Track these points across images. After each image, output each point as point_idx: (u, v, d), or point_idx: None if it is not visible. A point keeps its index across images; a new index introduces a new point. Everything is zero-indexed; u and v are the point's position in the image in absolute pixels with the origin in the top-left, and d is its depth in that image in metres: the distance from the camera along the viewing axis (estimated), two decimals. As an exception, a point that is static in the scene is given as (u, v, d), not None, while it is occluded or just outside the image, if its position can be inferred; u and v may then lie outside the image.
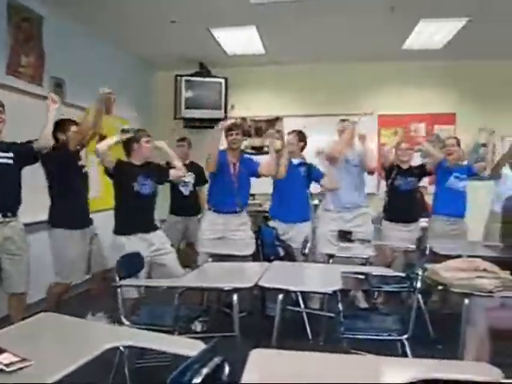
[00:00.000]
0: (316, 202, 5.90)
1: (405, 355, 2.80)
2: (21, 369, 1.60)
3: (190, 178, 5.28)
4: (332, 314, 3.30)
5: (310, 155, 4.88)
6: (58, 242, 3.87)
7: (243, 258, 3.95)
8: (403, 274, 3.26)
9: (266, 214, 5.06)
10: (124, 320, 3.02)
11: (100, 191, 5.28)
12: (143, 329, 2.56)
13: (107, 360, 2.39)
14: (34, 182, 3.81)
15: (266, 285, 2.92)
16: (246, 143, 6.96)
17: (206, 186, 4.95)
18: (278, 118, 7.02)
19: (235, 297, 2.92)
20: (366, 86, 6.81)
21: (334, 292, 2.85)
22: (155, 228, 3.92)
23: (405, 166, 4.92)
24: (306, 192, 4.82)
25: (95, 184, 5.08)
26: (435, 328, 3.70)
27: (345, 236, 4.41)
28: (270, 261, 3.75)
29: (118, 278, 3.08)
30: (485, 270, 2.84)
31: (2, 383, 1.55)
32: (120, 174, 3.74)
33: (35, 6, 4.66)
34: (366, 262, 4.04)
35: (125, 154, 3.87)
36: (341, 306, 3.08)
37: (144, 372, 3.02)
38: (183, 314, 3.14)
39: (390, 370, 1.85)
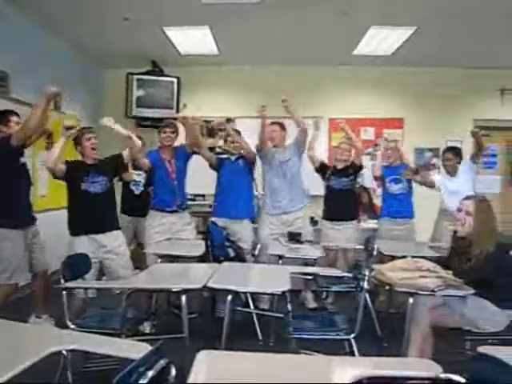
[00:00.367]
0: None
1: (352, 354, 2.85)
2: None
3: (140, 177, 5.20)
4: (281, 315, 3.32)
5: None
6: None
7: (193, 259, 3.93)
8: (350, 275, 3.33)
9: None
10: (69, 323, 2.94)
11: (48, 190, 5.12)
12: (90, 332, 2.50)
13: (52, 365, 2.31)
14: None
15: (215, 286, 2.91)
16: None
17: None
18: (229, 119, 6.99)
19: (184, 298, 2.90)
20: (317, 89, 6.90)
21: (283, 292, 2.87)
22: (110, 228, 3.81)
23: (340, 166, 5.03)
24: (250, 186, 4.85)
25: (43, 183, 4.94)
26: (382, 327, 3.79)
27: (294, 237, 4.45)
28: (219, 262, 3.74)
29: (63, 280, 2.99)
30: (428, 269, 2.94)
31: None
32: (69, 175, 3.68)
33: (-22, -4, 4.47)
34: (314, 262, 4.09)
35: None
36: (290, 306, 3.11)
37: (90, 376, 2.94)
38: (131, 316, 3.10)
39: (336, 368, 1.88)
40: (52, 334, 2.41)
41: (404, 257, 3.46)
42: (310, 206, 5.12)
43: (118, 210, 5.39)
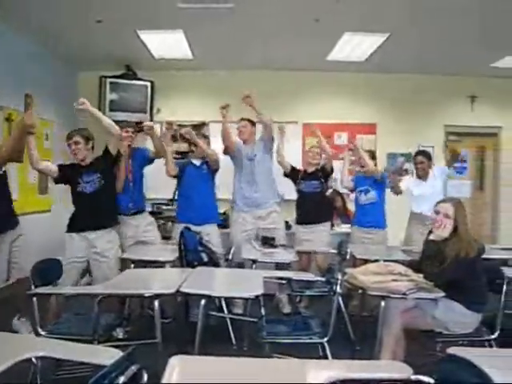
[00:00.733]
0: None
1: (325, 357, 2.86)
2: None
3: None
4: (255, 319, 3.32)
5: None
6: None
7: (165, 264, 3.91)
8: (324, 279, 3.34)
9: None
10: (39, 330, 2.89)
11: (18, 195, 5.02)
12: (61, 338, 2.46)
13: (22, 373, 2.27)
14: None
15: (188, 290, 2.90)
16: (172, 148, 6.86)
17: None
18: (204, 124, 6.98)
19: (157, 303, 2.88)
20: (291, 94, 6.94)
21: (257, 297, 2.87)
22: (105, 226, 3.92)
23: (310, 170, 5.08)
24: (213, 191, 4.84)
25: (14, 188, 4.85)
26: (355, 330, 3.81)
27: (268, 241, 4.46)
28: (193, 266, 3.72)
29: (33, 286, 2.94)
30: (399, 273, 2.97)
31: None
32: (65, 179, 3.93)
33: None
34: (287, 267, 4.11)
35: None
36: (263, 310, 3.12)
37: (62, 384, 2.89)
38: (104, 321, 3.06)
39: (310, 372, 1.89)
40: (22, 340, 2.36)
41: (376, 260, 3.50)
42: (284, 210, 5.14)
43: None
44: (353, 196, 5.53)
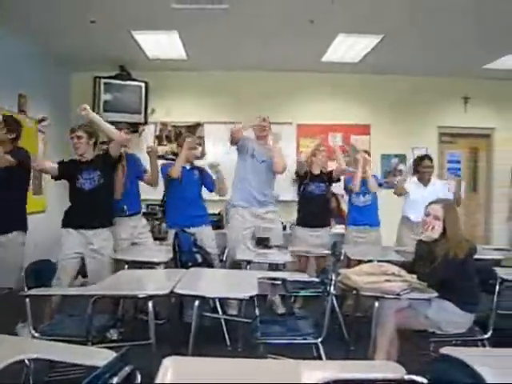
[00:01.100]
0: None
1: (319, 358, 2.87)
2: None
3: None
4: (249, 320, 3.32)
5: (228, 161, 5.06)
6: None
7: (159, 265, 3.91)
8: (317, 279, 3.35)
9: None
10: (33, 331, 2.87)
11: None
12: (55, 340, 2.45)
13: (15, 375, 2.26)
14: None
15: (182, 292, 2.89)
16: (167, 148, 6.88)
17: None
18: (198, 124, 6.98)
19: (150, 304, 2.87)
20: (286, 95, 6.95)
21: (251, 298, 2.87)
22: (101, 225, 3.94)
23: (316, 172, 5.09)
24: (201, 194, 4.84)
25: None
26: (349, 330, 3.83)
27: (262, 242, 4.46)
28: (187, 267, 3.72)
29: (26, 288, 2.93)
30: (393, 273, 2.98)
31: None
32: (64, 175, 3.95)
33: None
34: (283, 267, 4.11)
35: None
36: (258, 311, 3.12)
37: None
38: (97, 322, 3.05)
39: (304, 372, 1.89)
40: (15, 342, 2.35)
41: (370, 261, 3.52)
42: (279, 211, 5.14)
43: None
44: (347, 197, 5.55)
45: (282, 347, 2.93)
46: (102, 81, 6.65)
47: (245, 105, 6.86)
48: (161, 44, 5.88)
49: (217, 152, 6.65)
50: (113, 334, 3.61)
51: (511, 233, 7.06)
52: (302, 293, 4.06)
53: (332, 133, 6.99)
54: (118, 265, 3.97)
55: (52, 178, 4.05)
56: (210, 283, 3.40)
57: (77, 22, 5.15)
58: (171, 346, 2.78)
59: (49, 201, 6.02)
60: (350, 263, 4.17)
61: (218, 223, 5.89)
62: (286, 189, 5.34)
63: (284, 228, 5.61)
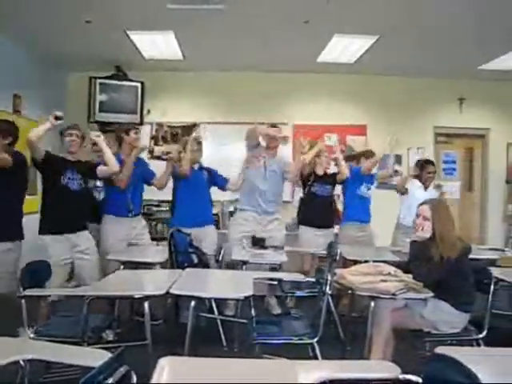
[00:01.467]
0: (231, 208, 5.96)
1: (315, 357, 2.87)
2: None
3: (101, 182, 5.12)
4: (245, 320, 3.32)
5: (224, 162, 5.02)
6: None
7: (155, 266, 3.91)
8: (313, 279, 3.36)
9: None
10: (28, 332, 2.87)
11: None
12: (51, 340, 2.45)
13: (10, 376, 2.25)
14: None
15: (178, 292, 2.89)
16: (163, 149, 6.87)
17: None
18: (195, 125, 6.98)
19: (146, 304, 2.87)
20: (282, 95, 6.95)
21: (246, 298, 2.87)
22: (83, 228, 3.93)
23: (320, 173, 5.10)
24: (209, 195, 4.90)
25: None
26: (345, 330, 3.83)
27: (258, 243, 4.46)
28: (183, 268, 3.71)
29: (21, 288, 2.92)
30: (389, 273, 2.99)
31: None
32: (48, 166, 3.74)
33: None
34: (278, 268, 4.11)
35: None
36: (254, 311, 3.12)
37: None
38: (93, 323, 3.04)
39: (300, 372, 1.88)
40: (10, 343, 2.34)
41: (366, 261, 3.52)
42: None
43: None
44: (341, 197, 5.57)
45: (277, 347, 2.93)
46: (98, 81, 6.64)
47: (241, 105, 6.87)
48: (157, 44, 5.88)
49: (213, 152, 6.64)
50: (108, 335, 3.60)
51: (506, 233, 7.09)
52: (298, 293, 4.07)
53: (328, 133, 7.02)
54: (113, 265, 3.97)
55: (33, 162, 3.79)
56: (206, 284, 3.40)
57: (72, 22, 5.14)
58: (167, 347, 2.78)
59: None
60: (346, 263, 4.18)
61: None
62: (285, 189, 5.35)
63: (286, 229, 5.63)
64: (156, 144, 6.89)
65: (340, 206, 6.06)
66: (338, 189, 5.57)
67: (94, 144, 4.29)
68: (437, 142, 7.29)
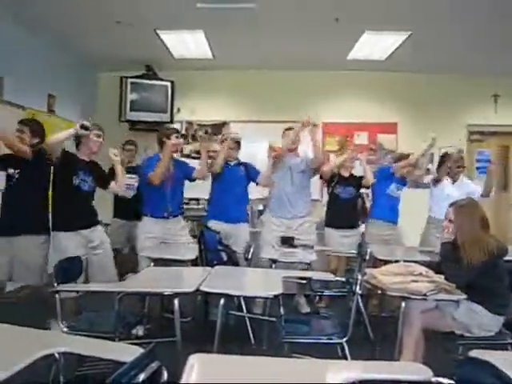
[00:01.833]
0: (260, 207, 5.96)
1: (345, 358, 2.85)
2: None
3: (134, 180, 5.17)
4: (274, 319, 3.32)
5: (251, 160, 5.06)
6: None
7: (186, 263, 3.93)
8: (343, 279, 3.33)
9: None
10: (61, 326, 2.92)
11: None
12: (82, 335, 2.49)
13: (45, 368, 2.30)
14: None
15: (208, 289, 2.90)
16: (191, 147, 6.93)
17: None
18: (224, 123, 7.01)
19: (176, 301, 2.88)
20: (311, 94, 6.91)
21: (276, 296, 2.86)
22: (95, 223, 3.93)
23: (345, 174, 5.06)
24: (245, 192, 4.88)
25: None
26: (374, 330, 3.79)
27: (287, 241, 4.45)
28: (212, 266, 3.73)
29: (55, 283, 2.98)
30: (420, 274, 2.94)
31: None
32: (62, 165, 3.71)
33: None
34: (308, 267, 4.09)
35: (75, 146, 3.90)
36: (282, 310, 3.11)
37: (82, 379, 2.91)
38: (124, 319, 3.08)
39: (329, 372, 1.87)
40: (45, 336, 2.39)
41: (397, 261, 3.47)
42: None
43: (111, 213, 5.43)
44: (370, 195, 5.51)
45: (306, 347, 2.92)
46: (129, 80, 6.74)
47: (270, 103, 6.87)
48: (186, 43, 5.93)
49: (242, 151, 6.64)
50: (138, 331, 3.65)
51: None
52: (327, 292, 4.04)
53: (358, 131, 6.95)
54: (144, 262, 4.02)
55: (48, 160, 3.75)
56: (236, 281, 3.40)
57: (104, 23, 5.24)
58: (196, 344, 2.79)
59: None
60: (376, 263, 4.13)
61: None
62: (314, 188, 5.33)
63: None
64: (186, 143, 6.94)
65: (369, 204, 6.01)
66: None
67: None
68: (470, 141, 7.13)
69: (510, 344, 2.94)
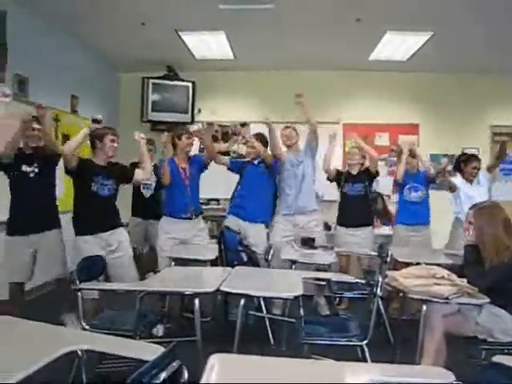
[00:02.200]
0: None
1: (364, 360, 2.83)
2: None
3: (151, 180, 5.21)
4: (293, 320, 3.31)
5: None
6: None
7: (205, 263, 3.95)
8: (363, 281, 3.31)
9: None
10: (83, 323, 2.96)
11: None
12: (104, 333, 2.52)
13: (67, 364, 2.33)
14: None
15: (228, 290, 2.91)
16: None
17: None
18: (245, 124, 7.02)
19: (197, 301, 2.90)
20: (333, 94, 6.90)
21: (296, 297, 2.86)
22: (115, 226, 3.89)
23: (354, 172, 5.03)
24: (270, 190, 4.84)
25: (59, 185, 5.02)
26: (395, 333, 3.76)
27: (307, 243, 4.44)
28: (233, 266, 3.74)
29: (78, 281, 3.02)
30: (443, 277, 2.90)
31: None
32: (80, 173, 3.71)
33: (-1, 1, 4.54)
34: (327, 268, 4.07)
35: (91, 151, 3.88)
36: (302, 311, 3.10)
37: (104, 376, 2.95)
38: (144, 318, 3.11)
39: (348, 374, 1.86)
40: (67, 333, 2.43)
41: (418, 264, 3.44)
42: (323, 211, 5.11)
43: (129, 212, 5.48)
44: (394, 197, 5.46)
45: (326, 348, 2.91)
46: (151, 81, 6.81)
47: (291, 104, 6.82)
48: (208, 44, 5.97)
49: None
50: (159, 330, 3.69)
51: None
52: (347, 294, 4.02)
53: (379, 133, 6.89)
54: (164, 262, 4.05)
55: (65, 169, 3.73)
56: (256, 282, 3.40)
57: (127, 24, 5.29)
58: (216, 344, 2.80)
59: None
60: (397, 265, 4.09)
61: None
62: (330, 188, 5.30)
63: (329, 228, 5.56)
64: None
65: (391, 206, 5.97)
66: (389, 189, 5.46)
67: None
68: (494, 142, 7.02)
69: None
